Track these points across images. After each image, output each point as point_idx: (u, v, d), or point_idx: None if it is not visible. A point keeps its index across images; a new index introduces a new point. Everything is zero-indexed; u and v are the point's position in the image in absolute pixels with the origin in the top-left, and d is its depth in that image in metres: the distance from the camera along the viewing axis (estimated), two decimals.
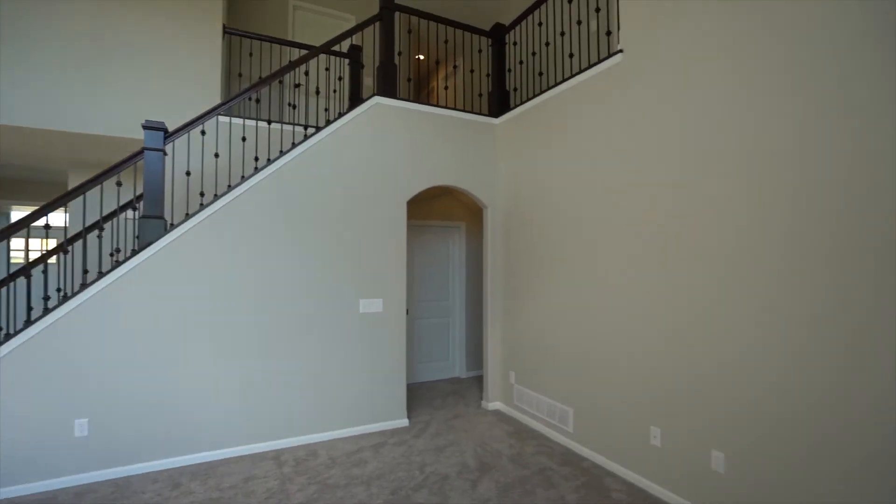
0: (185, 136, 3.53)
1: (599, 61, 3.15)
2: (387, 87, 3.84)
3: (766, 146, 2.16)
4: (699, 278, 2.47)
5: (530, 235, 3.90)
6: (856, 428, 1.82)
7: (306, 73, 3.86)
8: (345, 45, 5.17)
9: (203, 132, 3.33)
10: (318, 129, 3.60)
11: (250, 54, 4.42)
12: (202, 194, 3.33)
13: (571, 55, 3.57)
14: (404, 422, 3.84)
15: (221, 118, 3.76)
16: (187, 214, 3.22)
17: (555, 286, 3.58)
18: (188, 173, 3.29)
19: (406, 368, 3.93)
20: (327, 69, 4.31)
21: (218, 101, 4.12)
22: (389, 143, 3.82)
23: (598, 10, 3.34)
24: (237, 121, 3.82)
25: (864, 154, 1.81)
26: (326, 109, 4.14)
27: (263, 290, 3.34)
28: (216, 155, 3.41)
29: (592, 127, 3.22)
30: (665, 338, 2.66)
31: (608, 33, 3.27)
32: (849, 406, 1.84)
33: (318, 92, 3.92)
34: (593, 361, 3.20)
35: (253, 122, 3.89)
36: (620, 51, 2.99)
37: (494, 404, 4.31)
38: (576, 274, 3.37)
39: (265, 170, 3.36)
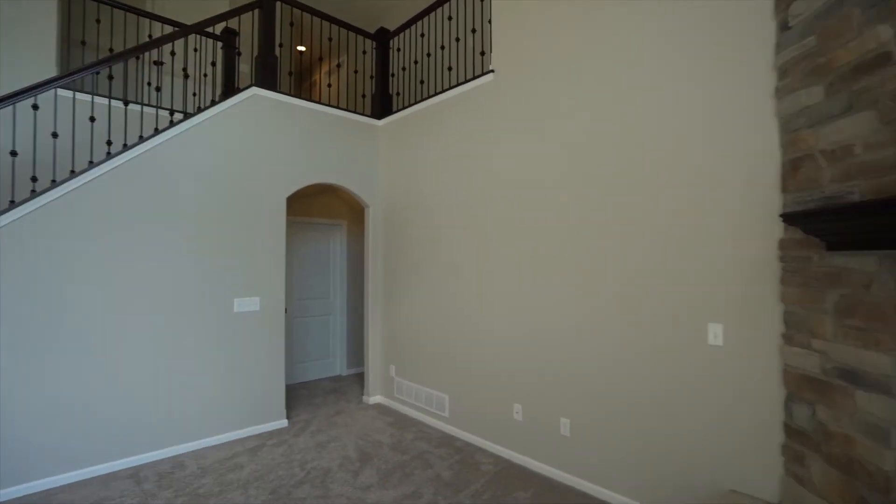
0: (10, 108, 2.98)
1: (474, 77, 3.48)
2: (266, 79, 3.70)
3: (605, 162, 2.67)
4: (550, 282, 2.91)
5: (409, 237, 4.11)
6: (650, 400, 2.38)
7: (172, 53, 3.53)
8: (218, 27, 4.79)
9: (35, 106, 2.85)
10: (187, 115, 3.33)
11: (97, 21, 3.86)
12: (35, 179, 2.84)
13: (450, 68, 3.86)
14: (283, 422, 3.75)
15: (62, 92, 3.24)
16: (12, 202, 2.73)
17: (431, 285, 3.84)
18: (14, 153, 2.78)
19: (286, 368, 3.83)
20: (196, 50, 3.98)
21: (54, 70, 3.54)
22: (268, 137, 3.69)
23: (473, 30, 3.69)
24: (84, 97, 3.33)
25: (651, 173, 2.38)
26: (195, 94, 3.83)
27: (118, 291, 2.98)
28: (55, 135, 2.94)
29: (466, 137, 3.54)
30: (525, 331, 3.07)
31: (482, 53, 3.63)
32: (643, 383, 2.40)
33: (186, 75, 3.60)
34: (466, 352, 3.52)
35: (105, 101, 3.42)
36: (492, 70, 3.35)
37: (376, 398, 4.44)
38: (449, 274, 3.66)
39: (121, 156, 3.01)
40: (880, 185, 1.47)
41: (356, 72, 4.61)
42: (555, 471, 2.87)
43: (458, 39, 3.76)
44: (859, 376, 1.55)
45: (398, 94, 4.55)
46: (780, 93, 1.94)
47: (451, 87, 3.67)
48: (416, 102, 4.03)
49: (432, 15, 4.17)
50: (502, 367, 3.23)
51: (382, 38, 4.48)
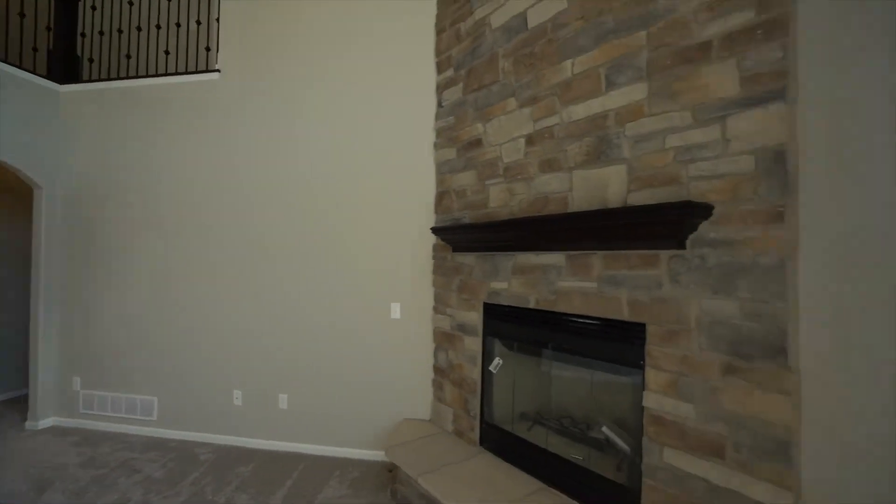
0: None
1: (198, 72, 3.44)
2: None
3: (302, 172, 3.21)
4: (270, 276, 3.26)
5: (113, 228, 3.60)
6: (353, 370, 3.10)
7: None
8: None
9: None
10: None
11: None
12: None
13: (167, 52, 3.64)
14: None
15: None
16: None
17: (140, 282, 3.53)
18: None
19: None
20: None
21: None
22: None
23: (199, 23, 3.62)
24: None
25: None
26: None
27: None
28: None
29: (189, 129, 3.44)
30: (244, 321, 3.31)
31: (207, 49, 3.60)
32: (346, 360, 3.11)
33: None
34: (179, 349, 3.45)
35: None
36: (218, 70, 3.40)
37: (48, 421, 3.66)
38: (164, 271, 3.48)
39: None
40: (477, 216, 2.54)
41: (23, 15, 3.66)
42: (277, 443, 3.24)
43: (178, 25, 3.58)
44: (466, 328, 2.61)
45: (91, 60, 3.87)
46: (436, 147, 2.93)
47: (170, 74, 3.48)
48: (121, 78, 3.59)
49: None
50: (221, 358, 3.35)
51: None
